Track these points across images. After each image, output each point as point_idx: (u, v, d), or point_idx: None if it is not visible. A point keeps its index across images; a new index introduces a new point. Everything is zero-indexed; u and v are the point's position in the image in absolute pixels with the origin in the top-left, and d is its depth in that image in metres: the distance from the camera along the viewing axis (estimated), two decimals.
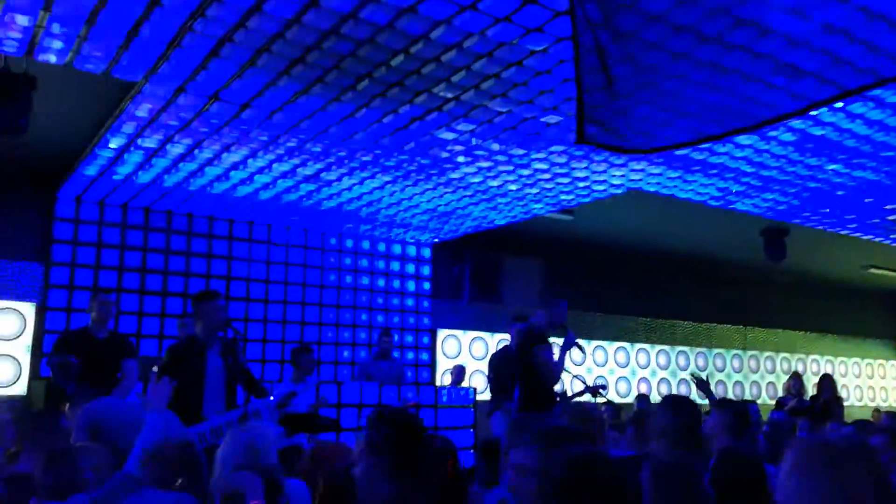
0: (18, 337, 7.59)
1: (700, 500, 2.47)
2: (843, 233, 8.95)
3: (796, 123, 5.71)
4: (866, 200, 7.63)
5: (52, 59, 4.77)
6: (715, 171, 6.86)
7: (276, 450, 4.90)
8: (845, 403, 10.63)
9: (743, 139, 6.03)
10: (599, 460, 2.11)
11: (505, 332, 7.41)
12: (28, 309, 7.68)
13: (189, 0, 4.14)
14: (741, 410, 4.07)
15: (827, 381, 9.44)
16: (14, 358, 7.53)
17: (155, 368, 6.38)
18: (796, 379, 9.28)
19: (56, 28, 4.40)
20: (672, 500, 2.37)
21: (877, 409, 12.33)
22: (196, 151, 6.47)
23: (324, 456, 3.27)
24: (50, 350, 5.95)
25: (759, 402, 12.46)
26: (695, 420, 3.19)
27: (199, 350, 5.15)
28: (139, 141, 6.23)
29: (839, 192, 7.40)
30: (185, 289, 8.49)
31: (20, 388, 7.47)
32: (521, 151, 6.41)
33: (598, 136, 3.55)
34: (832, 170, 6.75)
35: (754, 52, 3.43)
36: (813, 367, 14.08)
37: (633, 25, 3.33)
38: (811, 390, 9.93)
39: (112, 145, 6.36)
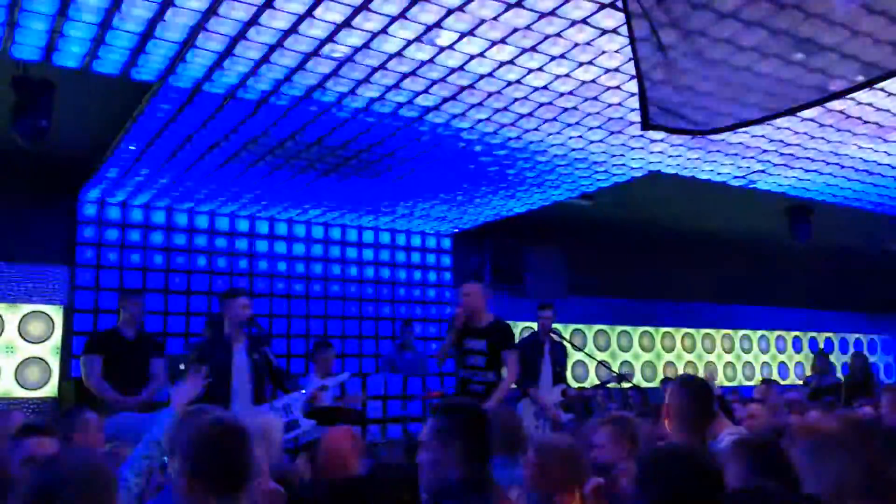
0: (47, 339, 7.70)
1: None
2: (868, 209, 8.84)
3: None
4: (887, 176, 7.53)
5: (70, 63, 4.82)
6: (735, 151, 6.80)
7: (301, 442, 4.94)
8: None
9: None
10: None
11: (528, 320, 7.40)
12: (55, 311, 7.78)
13: (202, 0, 4.17)
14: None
15: (858, 360, 9.35)
16: (43, 360, 7.64)
17: (182, 366, 6.49)
18: (821, 358, 9.20)
19: (73, 32, 4.44)
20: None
21: None
22: (215, 150, 6.51)
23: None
24: (81, 351, 6.03)
25: (786, 382, 12.39)
26: (706, 400, 3.21)
27: (226, 347, 5.20)
28: (158, 142, 6.29)
29: (861, 168, 7.31)
30: (210, 286, 8.57)
31: (50, 390, 7.59)
32: (537, 137, 6.38)
33: (661, 119, 3.53)
34: (855, 145, 6.66)
35: (825, 21, 3.38)
36: (840, 346, 13.93)
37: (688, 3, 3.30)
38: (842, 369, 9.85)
39: (132, 147, 6.41)
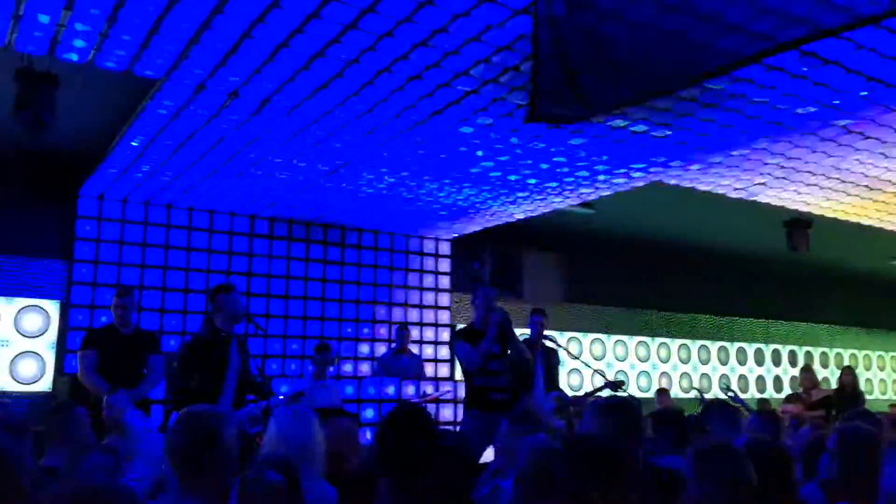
0: (42, 334, 7.67)
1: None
2: (866, 224, 8.85)
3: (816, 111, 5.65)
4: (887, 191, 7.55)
5: (75, 57, 4.81)
6: (735, 163, 6.80)
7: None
8: (869, 397, 10.54)
9: (763, 129, 5.97)
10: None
11: (525, 326, 7.39)
12: (51, 306, 7.76)
13: None
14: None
15: (847, 375, 9.34)
16: (38, 355, 7.61)
17: (175, 364, 6.46)
18: (807, 373, 9.20)
19: (78, 26, 4.43)
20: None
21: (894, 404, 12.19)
22: (217, 148, 6.50)
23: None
24: (78, 346, 6.02)
25: (781, 395, 12.38)
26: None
27: (223, 342, 5.17)
28: (160, 138, 6.28)
29: (862, 183, 7.33)
30: (207, 285, 8.55)
31: (45, 385, 7.56)
32: (540, 145, 6.38)
33: (549, 109, 3.46)
34: (856, 160, 6.68)
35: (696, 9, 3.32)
36: (836, 361, 13.94)
37: None
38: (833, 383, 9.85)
39: (134, 143, 6.40)
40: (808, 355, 13.71)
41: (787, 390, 13.01)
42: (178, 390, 5.30)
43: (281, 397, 5.64)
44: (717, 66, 3.37)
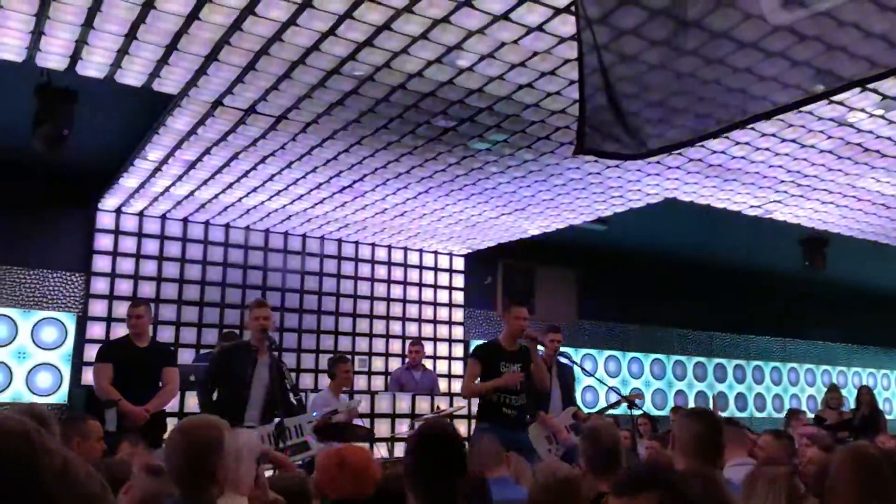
0: (59, 346, 7.74)
1: None
2: (883, 242, 8.78)
3: (834, 130, 5.63)
4: None
5: (94, 73, 4.88)
6: (751, 181, 6.78)
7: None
8: (888, 417, 10.41)
9: (780, 147, 5.96)
10: None
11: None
12: (68, 319, 7.83)
13: (226, 15, 4.21)
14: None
15: (866, 394, 9.24)
16: (55, 367, 7.67)
17: (192, 377, 6.47)
18: (833, 392, 9.12)
19: (97, 42, 4.50)
20: None
21: None
22: (233, 163, 6.56)
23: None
24: (94, 358, 6.05)
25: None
26: (715, 432, 3.17)
27: (249, 356, 5.19)
28: (178, 153, 6.34)
29: (879, 202, 7.28)
30: (222, 299, 8.60)
31: (60, 397, 7.61)
32: (554, 161, 6.39)
33: (597, 144, 3.46)
34: (872, 178, 6.64)
35: (757, 46, 3.32)
36: (854, 380, 13.78)
37: (631, 23, 3.26)
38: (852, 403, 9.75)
39: (151, 157, 6.47)
40: (826, 374, 13.56)
41: (806, 409, 12.88)
42: (202, 403, 5.32)
43: (314, 414, 5.61)
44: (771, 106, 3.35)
